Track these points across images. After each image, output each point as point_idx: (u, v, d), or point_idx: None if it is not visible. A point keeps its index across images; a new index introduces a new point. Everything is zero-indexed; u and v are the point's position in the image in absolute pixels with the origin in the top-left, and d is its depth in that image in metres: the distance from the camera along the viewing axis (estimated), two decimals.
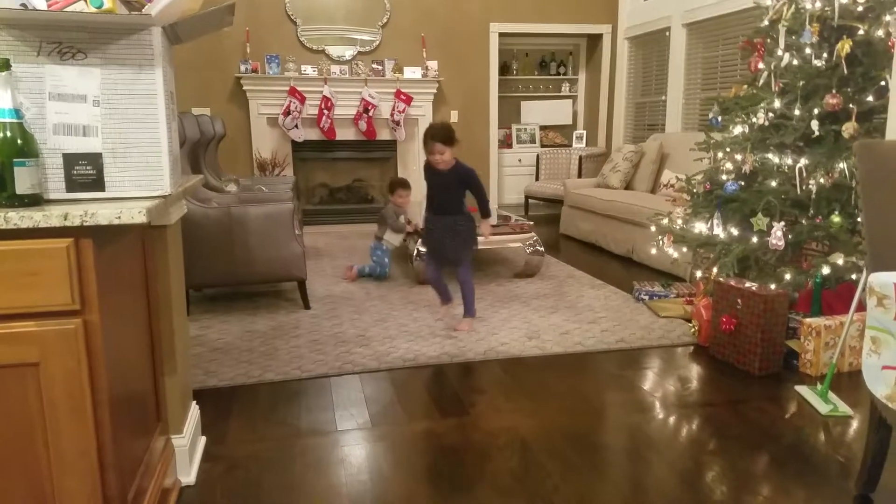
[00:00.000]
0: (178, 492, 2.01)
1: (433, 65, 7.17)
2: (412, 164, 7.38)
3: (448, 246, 3.46)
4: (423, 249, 3.85)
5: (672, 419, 2.53)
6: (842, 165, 3.11)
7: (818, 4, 3.28)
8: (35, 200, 1.39)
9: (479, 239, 3.58)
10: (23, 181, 1.36)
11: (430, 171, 3.45)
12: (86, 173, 1.49)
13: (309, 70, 6.90)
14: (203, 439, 2.32)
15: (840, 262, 3.03)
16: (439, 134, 3.36)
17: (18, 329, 1.32)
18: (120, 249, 1.57)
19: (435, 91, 7.25)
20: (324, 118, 6.92)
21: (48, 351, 1.34)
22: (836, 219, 3.07)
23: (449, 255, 3.48)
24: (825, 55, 3.27)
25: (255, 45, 6.80)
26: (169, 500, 1.90)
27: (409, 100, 7.08)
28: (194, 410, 2.27)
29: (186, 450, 2.06)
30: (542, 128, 8.39)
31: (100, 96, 1.49)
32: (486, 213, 3.57)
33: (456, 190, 3.43)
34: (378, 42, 7.12)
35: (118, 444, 1.49)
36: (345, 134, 7.11)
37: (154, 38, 1.51)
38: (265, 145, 6.98)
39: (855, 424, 2.46)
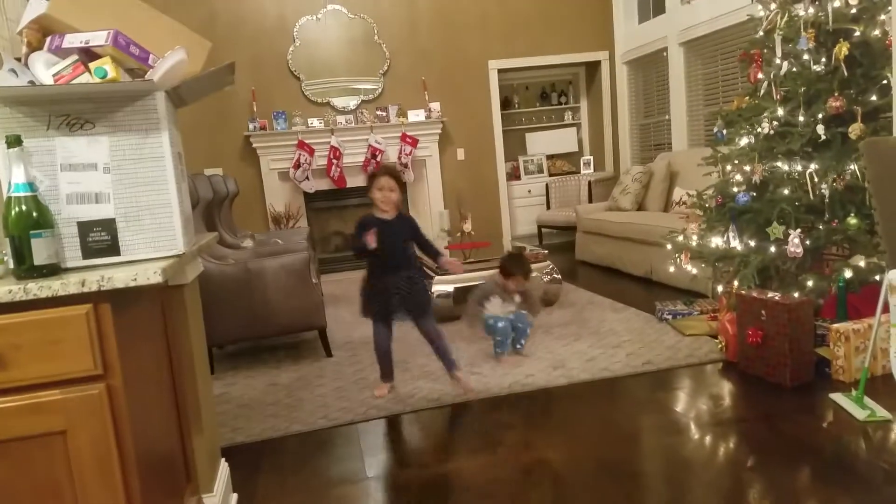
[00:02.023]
0: None
1: (436, 106, 7.27)
2: (422, 206, 7.43)
3: (408, 303, 3.06)
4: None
5: (707, 439, 2.48)
6: (852, 167, 3.09)
7: (811, 11, 3.30)
8: (53, 270, 1.42)
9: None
10: (40, 252, 1.39)
11: (374, 223, 3.01)
12: (101, 239, 1.52)
13: (315, 122, 7.02)
14: (235, 497, 2.30)
15: (862, 264, 2.99)
16: (391, 169, 3.06)
17: (43, 399, 1.33)
18: (139, 312, 1.59)
19: (439, 131, 7.33)
20: (333, 167, 7.01)
21: (74, 418, 1.35)
22: (852, 221, 3.04)
23: (410, 313, 3.10)
24: (823, 59, 3.27)
25: (261, 103, 6.95)
26: None
27: (415, 142, 7.16)
28: (224, 468, 2.26)
29: None
30: (549, 157, 8.43)
31: (109, 163, 1.53)
32: (438, 252, 3.22)
33: (405, 240, 3.09)
34: (380, 89, 7.25)
35: None
36: (354, 181, 7.19)
37: (158, 102, 1.55)
38: (278, 199, 7.07)
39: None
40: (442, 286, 4.49)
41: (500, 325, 3.55)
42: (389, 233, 3.00)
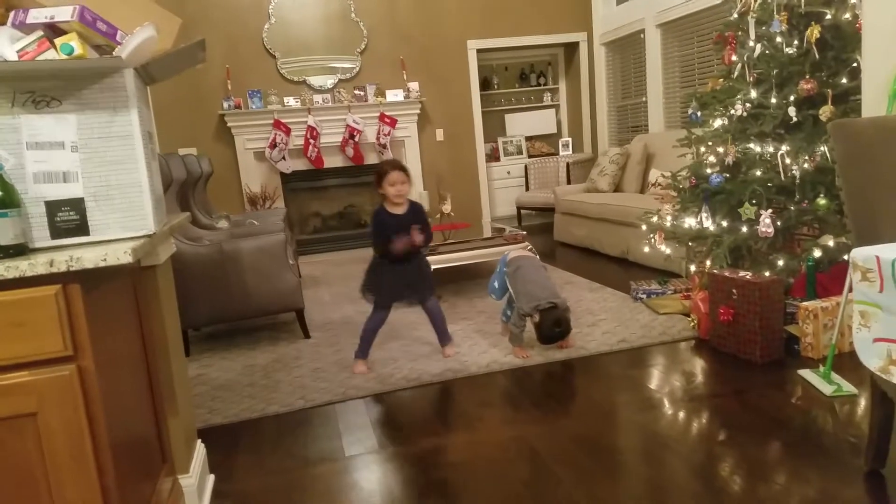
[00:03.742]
0: None
1: (414, 86, 7.22)
2: None
3: (417, 288, 3.22)
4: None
5: (680, 414, 2.53)
6: (822, 148, 3.13)
7: None
8: (20, 250, 1.40)
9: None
10: (6, 232, 1.37)
11: (387, 216, 3.13)
12: (69, 219, 1.50)
13: (292, 101, 6.95)
14: (211, 477, 2.31)
15: (830, 243, 3.04)
16: (397, 163, 3.12)
17: (13, 380, 1.32)
18: (110, 293, 1.57)
19: (418, 112, 7.30)
20: (310, 148, 6.95)
21: (45, 400, 1.34)
22: (822, 201, 3.09)
23: (417, 296, 3.25)
24: (796, 42, 3.31)
25: (236, 81, 6.85)
26: None
27: (393, 122, 7.12)
28: (200, 449, 2.26)
29: (195, 489, 2.05)
30: (528, 138, 8.45)
31: (77, 142, 1.50)
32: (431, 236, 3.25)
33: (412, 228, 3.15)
34: (358, 68, 7.18)
35: (123, 489, 1.48)
36: (332, 161, 7.15)
37: (127, 80, 1.52)
38: (254, 179, 7.01)
39: (861, 402, 2.46)
40: None
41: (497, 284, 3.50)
42: (400, 225, 3.09)
